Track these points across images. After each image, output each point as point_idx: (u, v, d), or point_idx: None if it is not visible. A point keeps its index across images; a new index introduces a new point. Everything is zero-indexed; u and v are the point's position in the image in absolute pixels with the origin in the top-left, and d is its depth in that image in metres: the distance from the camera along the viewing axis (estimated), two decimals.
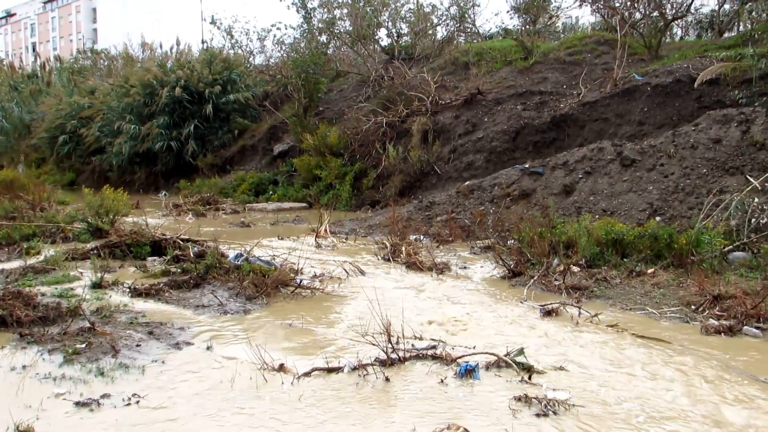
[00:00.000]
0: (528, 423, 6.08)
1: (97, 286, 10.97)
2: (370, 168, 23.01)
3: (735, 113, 15.91)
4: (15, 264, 12.74)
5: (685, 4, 24.86)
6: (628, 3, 25.71)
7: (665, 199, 14.48)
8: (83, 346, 8.00)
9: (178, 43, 38.42)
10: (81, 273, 11.96)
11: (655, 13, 24.38)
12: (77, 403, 6.47)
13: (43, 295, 10.23)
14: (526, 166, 17.99)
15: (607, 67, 22.37)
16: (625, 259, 11.76)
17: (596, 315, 9.17)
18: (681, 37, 30.11)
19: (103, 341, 8.16)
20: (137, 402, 6.53)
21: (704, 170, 14.71)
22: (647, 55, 22.93)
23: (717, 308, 9.24)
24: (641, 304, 9.86)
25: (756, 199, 12.73)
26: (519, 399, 6.45)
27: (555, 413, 6.20)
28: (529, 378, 6.99)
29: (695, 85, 17.78)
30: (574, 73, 23.27)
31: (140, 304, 10.07)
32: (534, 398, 6.41)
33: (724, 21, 27.86)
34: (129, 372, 7.31)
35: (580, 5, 27.38)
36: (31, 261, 12.88)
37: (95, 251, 13.42)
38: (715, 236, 11.48)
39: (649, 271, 11.11)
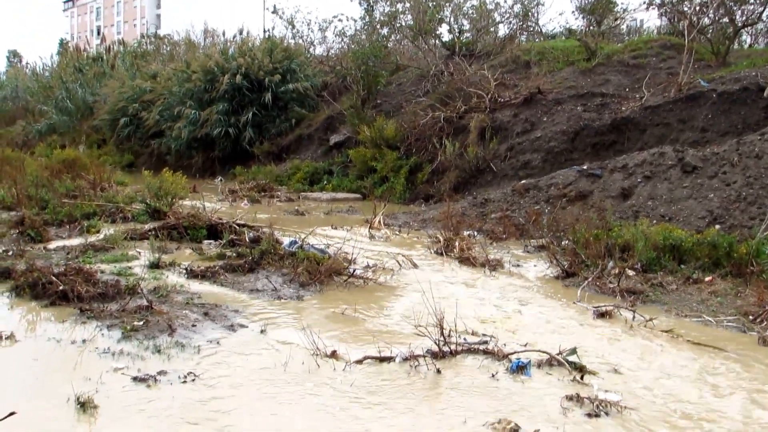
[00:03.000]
0: (579, 422, 6.05)
1: (154, 266, 11.21)
2: (426, 162, 22.93)
3: None
4: (76, 241, 13.06)
5: (756, 12, 24.26)
6: (697, 8, 25.18)
7: (726, 207, 14.18)
8: (141, 323, 8.20)
9: (240, 32, 38.81)
10: (139, 252, 12.22)
11: (725, 19, 23.83)
12: (135, 378, 6.63)
13: (102, 272, 10.50)
14: (584, 167, 17.76)
15: (672, 71, 21.93)
16: (682, 266, 11.55)
17: (651, 320, 9.04)
18: (750, 45, 29.40)
19: (160, 320, 8.35)
20: (193, 380, 6.66)
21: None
22: (714, 61, 22.43)
23: None
24: (697, 312, 9.69)
25: None
26: (570, 398, 6.42)
27: (607, 414, 6.16)
28: (581, 378, 6.94)
29: (765, 94, 17.36)
30: (637, 76, 22.86)
31: (196, 286, 10.26)
32: (586, 398, 6.37)
33: None
34: (185, 351, 7.46)
35: (647, 8, 26.97)
36: (92, 239, 13.20)
37: (153, 232, 13.69)
38: None
39: (707, 278, 10.91)
